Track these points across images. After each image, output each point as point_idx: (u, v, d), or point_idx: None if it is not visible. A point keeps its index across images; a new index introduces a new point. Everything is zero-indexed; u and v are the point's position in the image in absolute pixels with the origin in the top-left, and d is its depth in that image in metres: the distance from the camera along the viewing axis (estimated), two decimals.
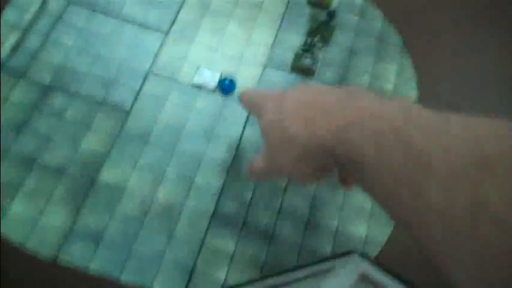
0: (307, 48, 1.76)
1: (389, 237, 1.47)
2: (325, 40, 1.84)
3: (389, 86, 1.80)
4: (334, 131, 0.63)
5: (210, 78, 1.67)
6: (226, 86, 1.63)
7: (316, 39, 1.77)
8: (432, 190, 0.43)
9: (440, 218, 0.42)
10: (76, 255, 1.29)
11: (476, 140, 0.41)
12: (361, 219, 1.49)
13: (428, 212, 0.44)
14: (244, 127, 1.56)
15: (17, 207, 1.33)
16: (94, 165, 1.42)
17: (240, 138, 1.53)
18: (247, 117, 1.59)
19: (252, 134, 1.56)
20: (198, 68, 1.66)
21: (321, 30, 1.83)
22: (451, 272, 0.43)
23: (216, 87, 1.66)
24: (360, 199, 1.52)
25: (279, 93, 0.87)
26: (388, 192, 0.51)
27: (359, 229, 1.47)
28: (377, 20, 1.93)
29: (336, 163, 0.69)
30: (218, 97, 1.63)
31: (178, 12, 1.79)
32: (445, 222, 0.42)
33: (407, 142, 0.48)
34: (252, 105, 0.99)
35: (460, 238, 0.40)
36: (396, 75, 1.83)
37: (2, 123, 1.48)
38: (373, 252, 1.44)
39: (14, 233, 1.28)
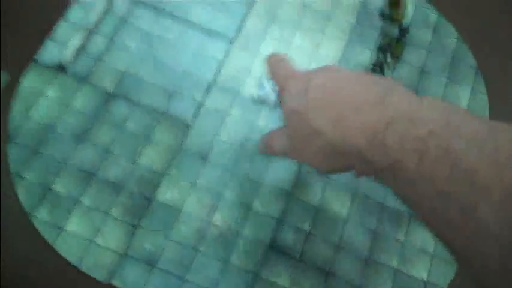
0: (378, 66, 1.67)
1: (452, 282, 1.41)
2: (396, 57, 1.74)
3: None
4: (369, 135, 0.58)
5: (272, 92, 1.62)
6: None
7: (388, 58, 1.67)
8: (486, 211, 0.39)
9: (499, 244, 0.37)
10: (129, 279, 1.28)
11: None
12: (423, 260, 1.42)
13: (483, 236, 0.39)
14: None
15: (73, 225, 1.32)
16: (152, 182, 1.39)
17: (301, 164, 1.48)
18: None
19: None
20: (260, 80, 1.60)
21: (392, 46, 1.73)
22: None
23: (278, 103, 1.60)
24: (422, 238, 1.45)
25: (304, 74, 0.80)
26: (431, 207, 0.47)
27: (420, 271, 1.41)
28: (451, 37, 1.81)
29: (368, 167, 0.63)
30: (280, 114, 1.57)
31: (244, 19, 1.72)
32: (504, 250, 0.37)
33: (452, 153, 0.44)
34: (276, 77, 0.96)
35: None
36: (469, 100, 1.72)
37: (63, 131, 1.47)
38: None
39: (69, 253, 1.28)
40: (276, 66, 0.99)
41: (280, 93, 0.91)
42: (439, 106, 0.53)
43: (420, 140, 0.48)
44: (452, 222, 0.43)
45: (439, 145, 0.46)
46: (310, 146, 0.70)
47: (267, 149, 0.94)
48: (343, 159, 0.67)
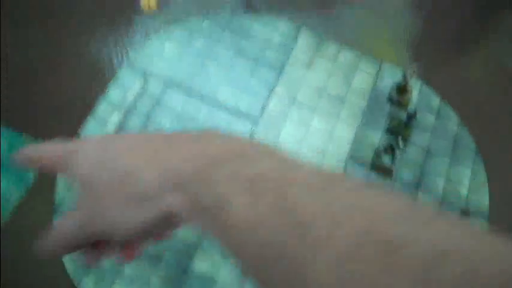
0: (389, 148, 1.84)
1: None
2: (404, 139, 1.91)
3: (464, 191, 1.86)
4: (198, 167, 0.47)
5: None
6: None
7: (399, 140, 1.84)
8: (316, 270, 0.33)
9: None
10: None
11: (374, 215, 0.33)
12: None
13: None
14: None
15: None
16: (187, 253, 1.50)
17: None
18: None
19: None
20: None
21: (401, 129, 1.91)
22: None
23: None
24: None
25: (97, 139, 0.67)
26: (256, 257, 0.39)
27: None
28: (452, 121, 2.00)
29: (186, 209, 0.46)
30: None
31: (267, 101, 1.89)
32: None
33: (288, 201, 0.37)
34: (51, 159, 0.70)
35: None
36: (470, 179, 1.89)
37: None
38: None
39: None
40: (38, 151, 0.77)
41: (72, 162, 0.75)
42: (270, 150, 0.46)
43: (252, 181, 0.42)
44: (276, 278, 0.38)
45: (273, 190, 0.40)
46: (121, 193, 0.56)
47: (51, 244, 0.72)
48: (160, 202, 0.49)
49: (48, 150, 0.67)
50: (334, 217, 0.32)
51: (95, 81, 2.00)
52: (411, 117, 1.93)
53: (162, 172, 0.47)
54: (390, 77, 2.12)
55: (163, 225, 0.51)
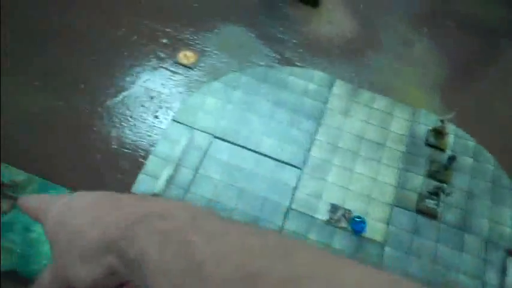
0: (434, 193, 1.89)
1: None
2: (446, 182, 1.97)
3: (508, 230, 1.89)
4: (123, 227, 0.59)
5: (342, 217, 1.80)
6: (358, 226, 1.76)
7: (443, 185, 1.90)
8: None
9: None
10: None
11: (250, 253, 0.42)
12: None
13: None
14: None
15: None
16: None
17: None
18: (384, 258, 1.69)
19: None
20: (330, 206, 1.80)
21: (441, 173, 1.97)
22: None
23: (348, 226, 1.78)
24: None
25: (64, 200, 0.77)
26: None
27: None
28: (489, 163, 2.06)
29: (121, 265, 0.59)
30: (352, 237, 1.75)
31: (309, 149, 1.96)
32: None
33: (189, 247, 0.47)
34: (34, 210, 0.84)
35: None
36: None
37: None
38: None
39: None
40: (30, 203, 0.95)
41: (44, 218, 0.86)
42: (184, 205, 0.57)
43: (165, 233, 0.52)
44: None
45: (180, 240, 0.49)
46: (74, 250, 0.66)
47: None
48: (104, 260, 0.62)
49: (31, 204, 0.78)
50: (220, 257, 0.41)
51: (139, 135, 2.11)
52: (452, 160, 1.99)
53: (101, 234, 0.58)
54: (424, 122, 2.20)
55: (114, 281, 0.62)
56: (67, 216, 0.66)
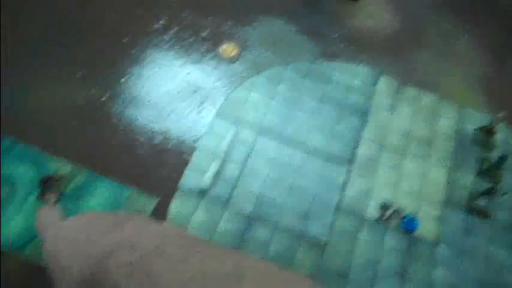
0: (487, 194, 1.86)
1: None
2: (497, 182, 1.93)
3: None
4: (95, 263, 0.62)
5: (393, 215, 1.78)
6: (409, 225, 1.74)
7: (495, 185, 1.86)
8: None
9: None
10: None
11: (207, 280, 0.48)
12: None
13: None
14: (435, 269, 1.63)
15: None
16: None
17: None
18: (436, 257, 1.67)
19: (446, 275, 1.64)
20: (380, 205, 1.77)
21: (492, 172, 1.93)
22: None
23: (400, 225, 1.76)
24: None
25: (57, 223, 0.88)
26: None
27: None
28: None
29: None
30: (404, 236, 1.72)
31: (357, 146, 1.94)
32: None
33: (152, 277, 0.51)
34: (40, 227, 0.99)
35: None
36: None
37: None
38: None
39: None
40: (39, 215, 1.03)
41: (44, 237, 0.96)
42: (161, 231, 0.61)
43: (131, 265, 0.55)
44: None
45: (145, 270, 0.53)
46: (64, 282, 0.72)
47: None
48: None
49: (40, 220, 0.97)
50: (180, 285, 0.46)
51: (183, 130, 2.10)
52: (503, 159, 1.95)
53: (79, 270, 0.64)
54: (471, 120, 2.16)
55: None
56: (54, 251, 0.73)
